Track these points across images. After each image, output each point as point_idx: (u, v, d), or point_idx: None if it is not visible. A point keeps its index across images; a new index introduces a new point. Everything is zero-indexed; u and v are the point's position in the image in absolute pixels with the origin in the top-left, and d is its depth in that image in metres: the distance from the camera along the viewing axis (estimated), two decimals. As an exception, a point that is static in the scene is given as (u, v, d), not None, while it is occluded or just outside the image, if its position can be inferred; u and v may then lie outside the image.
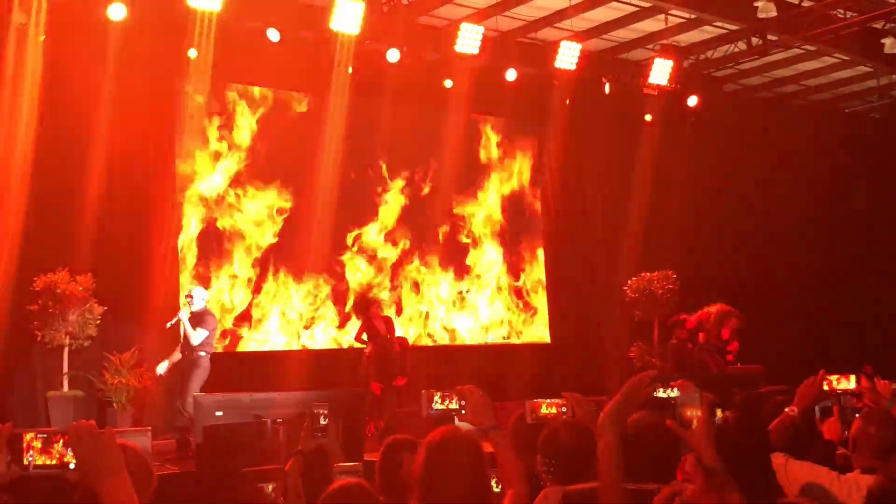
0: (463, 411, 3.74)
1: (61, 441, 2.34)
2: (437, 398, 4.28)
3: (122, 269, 11.84)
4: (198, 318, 10.47)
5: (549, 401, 4.80)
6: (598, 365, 14.96)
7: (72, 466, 2.32)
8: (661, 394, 3.55)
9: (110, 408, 10.98)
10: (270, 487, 4.53)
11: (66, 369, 10.96)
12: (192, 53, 11.74)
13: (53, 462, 2.34)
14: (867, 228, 17.58)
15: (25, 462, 2.34)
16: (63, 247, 11.25)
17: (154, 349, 11.28)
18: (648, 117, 15.35)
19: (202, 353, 10.41)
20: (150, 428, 10.14)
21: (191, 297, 10.70)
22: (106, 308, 11.11)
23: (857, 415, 4.69)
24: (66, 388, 10.95)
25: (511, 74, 14.02)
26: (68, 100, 11.37)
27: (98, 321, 11.03)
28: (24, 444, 2.35)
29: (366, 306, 12.47)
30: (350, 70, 12.71)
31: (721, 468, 3.12)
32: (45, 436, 2.35)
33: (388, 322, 12.34)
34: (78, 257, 11.19)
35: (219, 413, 8.24)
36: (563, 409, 4.60)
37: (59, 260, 10.94)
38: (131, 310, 11.71)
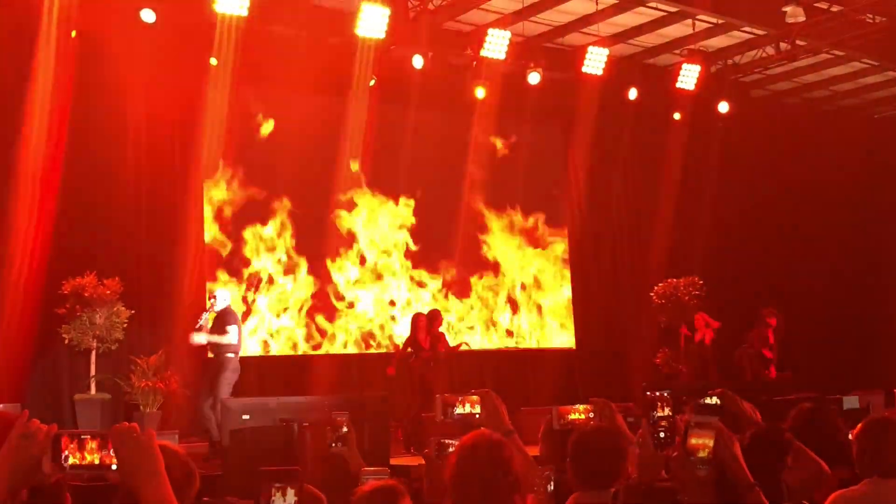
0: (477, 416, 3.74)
1: (103, 442, 2.35)
2: (459, 403, 4.28)
3: (149, 273, 11.92)
4: (222, 319, 10.52)
5: (577, 406, 4.79)
6: (624, 371, 14.90)
7: (114, 468, 2.33)
8: (708, 400, 3.49)
9: (137, 411, 11.03)
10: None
11: (93, 372, 11.04)
12: (213, 62, 11.79)
13: (95, 462, 2.35)
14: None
15: (67, 462, 2.35)
16: (91, 250, 11.35)
17: (181, 352, 11.34)
18: (677, 115, 15.24)
19: (230, 355, 10.39)
20: (177, 431, 10.20)
21: (213, 297, 10.79)
22: (133, 311, 11.18)
23: None
24: (93, 391, 11.03)
25: (534, 78, 13.92)
26: (97, 105, 11.46)
27: (125, 324, 11.10)
28: (66, 445, 2.35)
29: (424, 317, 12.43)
30: (373, 82, 12.75)
31: None
32: (88, 437, 2.36)
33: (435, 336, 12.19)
34: (106, 261, 11.29)
35: (245, 416, 8.28)
36: (591, 415, 4.58)
37: (87, 263, 11.02)
38: (158, 313, 11.77)
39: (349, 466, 4.24)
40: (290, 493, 3.07)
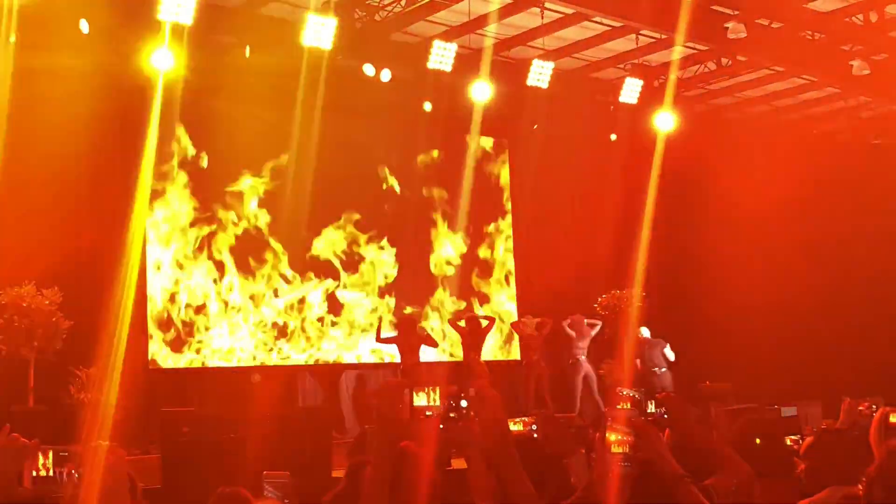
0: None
1: (75, 458, 2.34)
2: None
3: (89, 283, 11.71)
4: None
5: (517, 419, 4.81)
6: (567, 382, 14.96)
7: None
8: (651, 409, 3.39)
9: (76, 423, 10.84)
10: None
11: (31, 384, 10.84)
12: (168, 59, 11.60)
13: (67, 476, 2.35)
14: (839, 249, 17.66)
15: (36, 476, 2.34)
16: (29, 260, 11.13)
17: (122, 364, 11.18)
18: (614, 137, 15.38)
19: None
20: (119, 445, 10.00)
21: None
22: (73, 322, 10.99)
23: None
24: (31, 403, 10.83)
25: (480, 91, 13.94)
26: (34, 110, 11.25)
27: (64, 335, 10.91)
28: (44, 459, 2.35)
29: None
30: (322, 90, 12.70)
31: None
32: (66, 454, 2.35)
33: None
34: (44, 271, 11.09)
35: (186, 429, 8.21)
36: (533, 428, 4.60)
37: (26, 274, 10.83)
38: (99, 324, 11.57)
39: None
40: None
